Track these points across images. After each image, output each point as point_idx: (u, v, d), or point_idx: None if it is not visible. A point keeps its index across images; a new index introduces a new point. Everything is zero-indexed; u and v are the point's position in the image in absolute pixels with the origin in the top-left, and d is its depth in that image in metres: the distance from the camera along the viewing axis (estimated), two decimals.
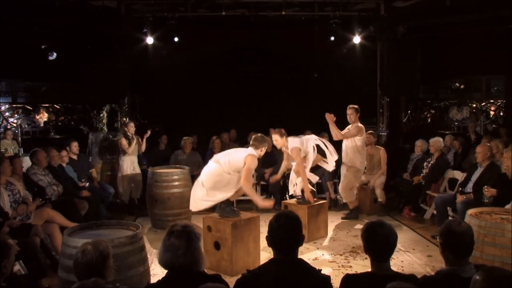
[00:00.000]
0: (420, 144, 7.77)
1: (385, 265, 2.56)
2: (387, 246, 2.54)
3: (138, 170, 7.59)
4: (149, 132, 7.79)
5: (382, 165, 7.41)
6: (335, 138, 6.51)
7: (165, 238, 2.52)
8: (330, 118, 6.30)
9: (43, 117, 10.92)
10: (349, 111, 6.61)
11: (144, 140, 7.73)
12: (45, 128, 11.06)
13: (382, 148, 7.59)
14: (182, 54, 10.48)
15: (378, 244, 2.53)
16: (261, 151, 5.11)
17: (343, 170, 6.87)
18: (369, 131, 7.81)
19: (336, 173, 8.31)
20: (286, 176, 8.13)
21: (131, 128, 7.51)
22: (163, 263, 2.51)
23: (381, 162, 7.43)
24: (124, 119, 8.99)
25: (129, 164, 7.50)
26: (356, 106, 6.62)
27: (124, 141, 7.45)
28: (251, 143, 5.16)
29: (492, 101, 11.18)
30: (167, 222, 6.33)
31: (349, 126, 6.69)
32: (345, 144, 6.70)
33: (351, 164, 6.70)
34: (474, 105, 11.24)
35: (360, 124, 6.60)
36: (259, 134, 5.24)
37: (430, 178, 7.09)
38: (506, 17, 8.02)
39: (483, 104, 11.23)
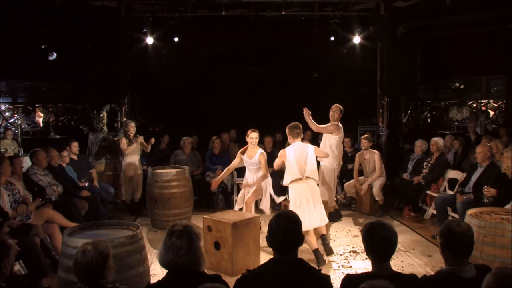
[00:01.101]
0: (419, 144, 7.76)
1: (385, 265, 2.56)
2: (388, 246, 2.54)
3: (139, 170, 7.59)
4: (153, 140, 7.77)
5: (377, 169, 7.37)
6: (314, 130, 6.47)
7: (165, 239, 2.52)
8: (307, 112, 6.22)
9: (39, 116, 10.93)
10: (334, 108, 6.53)
11: (149, 146, 7.71)
12: (45, 128, 11.06)
13: (376, 152, 7.56)
14: (182, 54, 10.47)
15: (379, 244, 2.53)
16: None
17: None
18: (364, 136, 7.79)
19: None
20: None
21: (132, 128, 7.51)
22: (164, 263, 2.51)
23: (376, 166, 7.39)
24: (124, 119, 8.99)
25: (131, 164, 7.50)
26: (341, 107, 6.54)
27: (124, 141, 7.45)
28: (294, 136, 5.47)
29: (491, 101, 11.17)
30: (167, 222, 6.33)
31: (329, 123, 6.59)
32: (322, 142, 6.64)
33: (324, 163, 6.58)
34: (474, 105, 11.24)
35: (339, 124, 6.51)
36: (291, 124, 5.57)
37: (430, 178, 7.10)
38: (506, 17, 8.01)
39: (483, 102, 11.22)
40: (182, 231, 2.51)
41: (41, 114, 10.99)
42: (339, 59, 10.28)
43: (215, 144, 8.13)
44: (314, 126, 6.31)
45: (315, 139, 8.73)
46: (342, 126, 6.53)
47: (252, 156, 5.93)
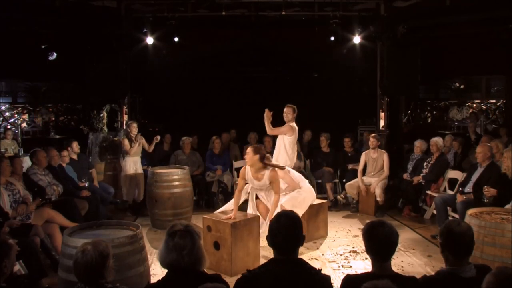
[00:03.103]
0: (419, 144, 7.76)
1: (386, 265, 2.55)
2: (389, 246, 2.54)
3: (140, 170, 7.56)
4: (158, 138, 7.74)
5: (385, 169, 7.37)
6: (268, 133, 6.35)
7: (167, 239, 2.52)
8: (267, 114, 6.14)
9: (39, 120, 11.01)
10: (286, 110, 6.35)
11: (153, 144, 7.69)
12: (45, 128, 11.07)
13: (385, 152, 7.56)
14: (182, 54, 10.47)
15: (380, 243, 2.53)
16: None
17: None
18: (372, 135, 7.78)
19: (335, 175, 8.33)
20: None
21: (134, 129, 7.50)
22: (166, 264, 2.51)
23: (385, 166, 7.38)
24: (125, 118, 8.99)
25: (132, 165, 7.48)
26: (294, 106, 6.38)
27: (126, 142, 7.44)
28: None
29: (493, 101, 11.18)
30: (167, 222, 6.33)
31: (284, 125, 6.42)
32: (277, 143, 6.47)
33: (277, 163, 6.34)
34: (474, 105, 11.25)
35: (293, 124, 6.33)
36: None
37: (430, 178, 7.10)
38: (506, 17, 8.00)
39: (483, 103, 11.23)
40: (184, 230, 2.51)
41: (39, 117, 11.05)
42: (339, 59, 10.27)
43: (215, 144, 8.13)
44: (268, 129, 6.25)
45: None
46: (296, 127, 6.36)
47: (260, 178, 5.31)
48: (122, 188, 7.56)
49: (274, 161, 6.33)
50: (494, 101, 11.14)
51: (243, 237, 4.91)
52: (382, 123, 9.31)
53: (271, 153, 7.72)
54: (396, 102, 9.79)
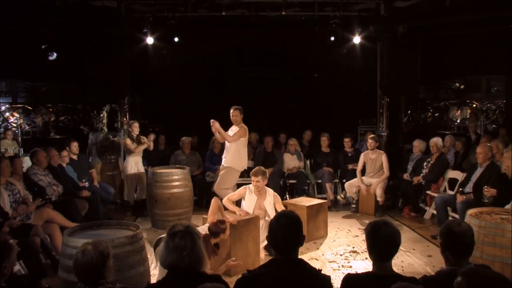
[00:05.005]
0: (417, 144, 7.76)
1: (386, 265, 2.55)
2: (391, 245, 2.54)
3: (142, 170, 7.58)
4: (153, 136, 7.79)
5: (385, 170, 7.37)
6: (229, 141, 6.26)
7: (167, 240, 2.52)
8: (215, 125, 6.13)
9: (39, 120, 11.02)
10: (234, 112, 6.34)
11: (151, 143, 7.75)
12: (45, 128, 11.07)
13: (383, 152, 7.56)
14: (182, 54, 10.47)
15: (382, 242, 2.52)
16: None
17: (221, 170, 6.51)
18: (371, 136, 7.78)
19: (335, 175, 8.33)
20: (286, 176, 8.16)
21: (135, 129, 7.51)
22: (166, 265, 2.51)
23: (384, 167, 7.38)
24: (125, 119, 8.99)
25: (133, 165, 7.49)
26: (238, 107, 6.37)
27: (128, 141, 7.44)
28: None
29: (495, 101, 11.17)
30: (167, 222, 6.35)
31: (233, 127, 6.41)
32: (229, 146, 6.37)
33: (228, 165, 6.35)
34: (474, 105, 11.24)
35: (244, 126, 6.34)
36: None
37: (430, 178, 7.10)
38: (506, 17, 8.00)
39: (483, 103, 11.23)
40: (184, 231, 2.51)
41: (40, 118, 11.07)
42: (339, 59, 10.27)
43: (215, 144, 8.13)
44: (228, 137, 6.23)
45: None
46: (247, 128, 6.36)
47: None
48: (124, 188, 7.57)
49: (228, 164, 6.33)
50: (495, 101, 11.13)
51: (243, 237, 4.91)
52: (382, 123, 9.31)
53: (272, 153, 7.70)
54: (396, 102, 9.80)
